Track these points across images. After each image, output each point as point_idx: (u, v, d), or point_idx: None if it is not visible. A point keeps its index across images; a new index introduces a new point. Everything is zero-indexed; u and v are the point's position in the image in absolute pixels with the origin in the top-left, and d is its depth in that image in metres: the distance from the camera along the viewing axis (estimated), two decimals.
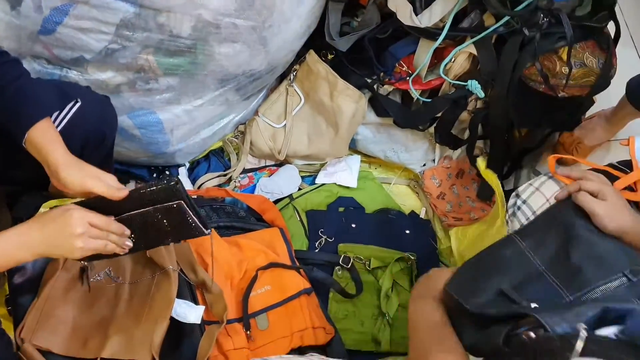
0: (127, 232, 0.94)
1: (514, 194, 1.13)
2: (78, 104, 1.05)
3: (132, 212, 0.94)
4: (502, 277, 0.86)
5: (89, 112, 1.00)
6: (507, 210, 1.15)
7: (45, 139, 0.94)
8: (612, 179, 1.13)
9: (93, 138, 1.13)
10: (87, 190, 0.91)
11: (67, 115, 1.07)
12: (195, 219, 0.95)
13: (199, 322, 1.06)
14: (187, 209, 0.93)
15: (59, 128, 1.05)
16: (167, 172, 1.54)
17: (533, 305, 0.77)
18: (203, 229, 0.96)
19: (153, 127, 1.38)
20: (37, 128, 0.94)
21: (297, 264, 1.37)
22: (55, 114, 1.05)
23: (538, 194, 1.07)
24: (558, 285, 0.84)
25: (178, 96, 1.35)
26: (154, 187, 0.91)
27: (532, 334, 0.66)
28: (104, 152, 1.20)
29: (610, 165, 1.28)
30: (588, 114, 1.72)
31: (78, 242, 0.86)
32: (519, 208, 1.09)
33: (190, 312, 1.06)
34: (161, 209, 0.93)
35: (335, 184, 1.64)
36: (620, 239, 0.89)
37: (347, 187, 1.65)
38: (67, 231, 0.86)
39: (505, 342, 0.70)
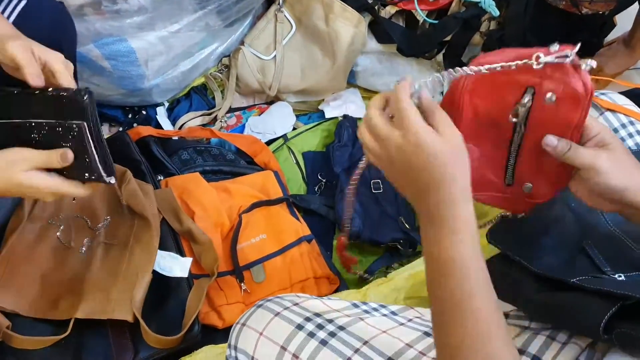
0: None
1: None
2: (22, 2, 0.86)
3: (35, 120, 0.76)
4: (561, 232, 0.71)
5: (37, 15, 0.81)
6: None
7: None
8: None
9: None
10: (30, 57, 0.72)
11: (10, 16, 0.87)
12: (95, 154, 0.73)
13: (186, 275, 0.99)
14: (89, 135, 0.72)
15: None
16: (144, 112, 1.40)
17: (618, 276, 0.64)
18: (102, 172, 0.74)
19: (125, 57, 1.26)
20: None
21: (295, 210, 1.28)
22: None
23: None
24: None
25: (151, 20, 1.23)
26: (62, 93, 0.73)
27: None
28: None
29: None
30: (608, 39, 1.62)
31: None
32: None
33: (175, 265, 1.00)
34: (64, 126, 0.74)
35: (334, 121, 1.52)
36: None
37: None
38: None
39: (606, 330, 0.57)
